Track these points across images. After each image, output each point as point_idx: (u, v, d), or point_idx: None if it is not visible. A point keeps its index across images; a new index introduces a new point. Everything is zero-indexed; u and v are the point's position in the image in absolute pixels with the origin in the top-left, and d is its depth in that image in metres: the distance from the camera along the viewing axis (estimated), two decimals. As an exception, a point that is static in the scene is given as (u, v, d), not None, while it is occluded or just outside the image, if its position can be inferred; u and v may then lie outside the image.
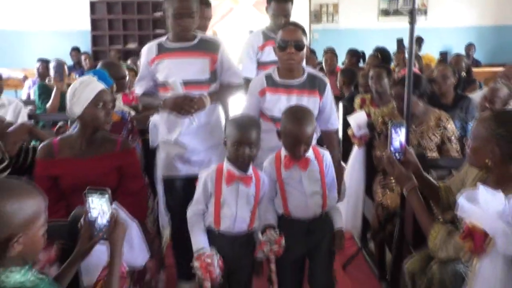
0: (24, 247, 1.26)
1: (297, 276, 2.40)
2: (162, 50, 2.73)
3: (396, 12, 9.03)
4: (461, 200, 1.67)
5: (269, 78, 2.64)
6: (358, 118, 3.29)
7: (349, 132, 3.32)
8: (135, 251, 1.77)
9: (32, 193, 1.30)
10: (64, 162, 2.21)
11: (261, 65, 3.38)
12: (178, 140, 2.71)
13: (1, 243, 1.23)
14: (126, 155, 2.31)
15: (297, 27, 2.60)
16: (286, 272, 2.35)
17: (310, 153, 2.30)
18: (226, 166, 2.20)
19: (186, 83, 2.61)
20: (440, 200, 2.14)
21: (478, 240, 1.61)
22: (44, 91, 4.67)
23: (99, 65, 3.22)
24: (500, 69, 5.24)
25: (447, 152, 2.95)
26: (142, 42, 8.86)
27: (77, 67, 7.68)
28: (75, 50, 8.16)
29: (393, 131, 2.10)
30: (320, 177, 2.31)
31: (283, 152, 2.31)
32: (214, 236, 2.19)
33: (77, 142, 2.27)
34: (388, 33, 8.17)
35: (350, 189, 3.24)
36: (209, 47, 2.75)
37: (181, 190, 2.74)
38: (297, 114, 2.25)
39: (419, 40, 7.59)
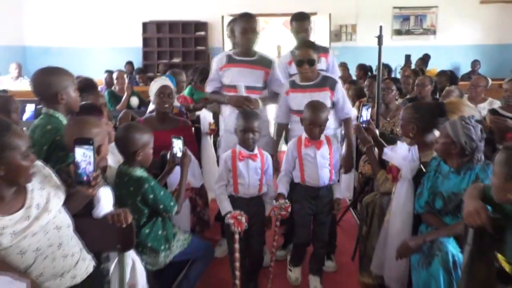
0: (142, 158, 2.47)
1: (306, 228, 3.11)
2: (230, 60, 3.44)
3: (408, 32, 10.03)
4: (386, 150, 2.82)
5: (292, 82, 3.34)
6: (350, 114, 4.44)
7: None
8: (195, 177, 2.97)
9: (147, 129, 2.52)
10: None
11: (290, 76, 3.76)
12: None
13: (132, 154, 2.43)
14: (185, 129, 3.44)
15: (309, 47, 3.20)
16: (299, 224, 3.09)
17: (323, 138, 3.04)
18: (238, 148, 2.90)
19: (246, 88, 3.35)
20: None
21: (394, 172, 2.75)
22: (113, 96, 5.97)
23: (169, 72, 4.51)
24: (501, 83, 6.13)
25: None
26: (185, 57, 10.19)
27: (131, 77, 9.04)
28: (129, 64, 9.46)
29: (362, 109, 3.19)
30: (329, 157, 3.05)
31: (304, 136, 3.04)
32: (234, 200, 2.89)
33: (154, 120, 3.44)
34: (400, 50, 9.16)
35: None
36: (265, 63, 3.45)
37: None
38: (314, 105, 2.98)
39: (426, 57, 8.56)
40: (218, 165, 3.53)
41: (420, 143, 2.88)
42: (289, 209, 2.87)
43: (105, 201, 2.04)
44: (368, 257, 3.00)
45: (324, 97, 3.22)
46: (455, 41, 10.02)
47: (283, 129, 3.46)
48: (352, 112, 3.46)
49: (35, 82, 2.45)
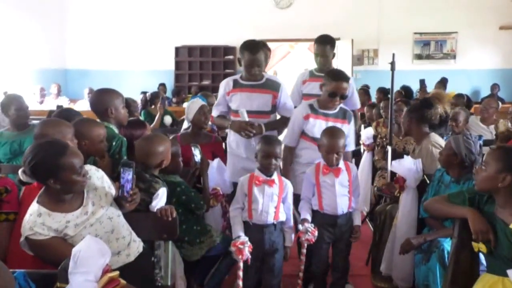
0: (172, 167, 2.89)
1: (324, 256, 3.09)
2: (236, 85, 3.40)
3: (428, 57, 10.34)
4: (393, 163, 3.20)
5: (311, 107, 3.25)
6: (367, 133, 4.84)
7: (361, 141, 4.88)
8: (226, 185, 3.38)
9: (170, 141, 2.92)
10: (183, 147, 3.83)
11: (304, 96, 3.92)
12: (248, 155, 3.34)
13: (158, 164, 2.77)
14: (217, 144, 3.84)
15: (344, 80, 3.16)
16: (318, 253, 3.06)
17: (342, 165, 2.98)
18: (257, 173, 2.87)
19: (253, 113, 3.27)
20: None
21: (401, 182, 3.13)
22: (148, 115, 6.43)
23: (200, 93, 4.98)
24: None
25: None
26: (214, 79, 10.66)
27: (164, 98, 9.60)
28: (162, 85, 10.01)
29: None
30: (348, 184, 3.00)
31: (322, 163, 3.01)
32: (248, 226, 2.84)
33: (190, 136, 3.88)
34: (421, 73, 9.37)
35: (362, 180, 4.73)
36: (272, 86, 3.37)
37: None
38: (332, 131, 2.99)
39: (444, 80, 8.88)
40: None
41: (417, 133, 3.40)
42: (316, 233, 2.83)
43: (162, 198, 2.53)
44: (380, 261, 3.36)
45: (344, 128, 3.22)
46: (474, 65, 10.22)
47: (292, 153, 3.36)
48: (352, 147, 3.47)
49: (91, 99, 3.01)
